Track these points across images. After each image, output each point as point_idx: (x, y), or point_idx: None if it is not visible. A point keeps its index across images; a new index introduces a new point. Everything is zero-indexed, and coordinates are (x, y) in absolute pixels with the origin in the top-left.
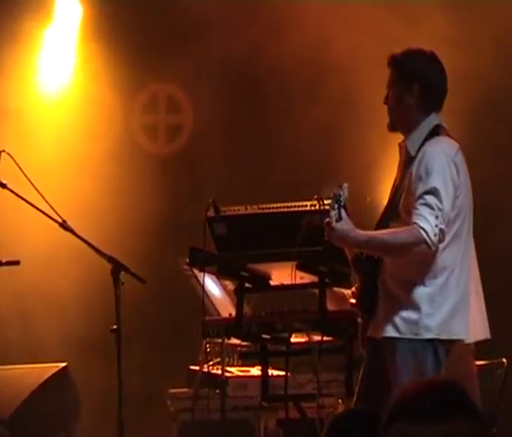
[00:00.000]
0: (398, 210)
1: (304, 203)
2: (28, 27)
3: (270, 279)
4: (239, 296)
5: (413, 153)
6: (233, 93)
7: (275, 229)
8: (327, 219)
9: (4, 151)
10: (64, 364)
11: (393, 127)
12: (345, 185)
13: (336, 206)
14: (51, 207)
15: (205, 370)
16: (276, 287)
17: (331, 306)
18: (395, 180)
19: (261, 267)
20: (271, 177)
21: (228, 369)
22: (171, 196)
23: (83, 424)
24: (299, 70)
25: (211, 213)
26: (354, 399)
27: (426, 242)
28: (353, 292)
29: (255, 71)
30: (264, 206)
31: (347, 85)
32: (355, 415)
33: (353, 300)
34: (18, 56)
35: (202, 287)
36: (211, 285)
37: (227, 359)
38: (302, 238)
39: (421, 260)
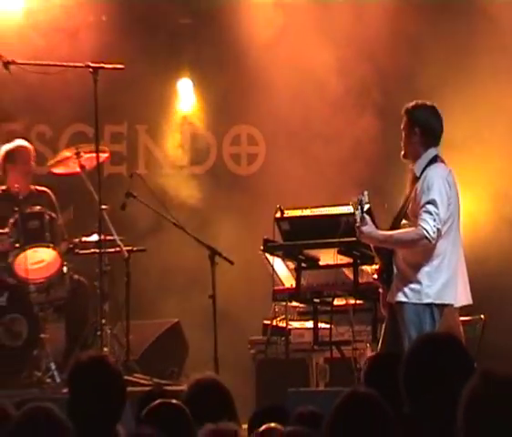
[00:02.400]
0: (407, 214)
1: (343, 207)
2: None
3: (319, 260)
4: (297, 272)
5: (418, 174)
6: (295, 129)
7: (323, 225)
8: (357, 224)
9: (135, 173)
10: (177, 320)
11: (405, 157)
12: (365, 192)
13: (359, 208)
14: (168, 213)
15: (274, 324)
16: (323, 266)
17: (361, 279)
18: (406, 193)
19: (313, 252)
20: (322, 187)
21: (290, 323)
22: (251, 205)
23: (189, 362)
24: None
25: (278, 215)
26: (379, 344)
27: (427, 238)
28: (375, 270)
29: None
30: (315, 209)
31: None
32: (386, 356)
33: (375, 276)
34: None
35: (272, 266)
36: (278, 264)
37: (289, 316)
38: (341, 231)
39: (423, 249)
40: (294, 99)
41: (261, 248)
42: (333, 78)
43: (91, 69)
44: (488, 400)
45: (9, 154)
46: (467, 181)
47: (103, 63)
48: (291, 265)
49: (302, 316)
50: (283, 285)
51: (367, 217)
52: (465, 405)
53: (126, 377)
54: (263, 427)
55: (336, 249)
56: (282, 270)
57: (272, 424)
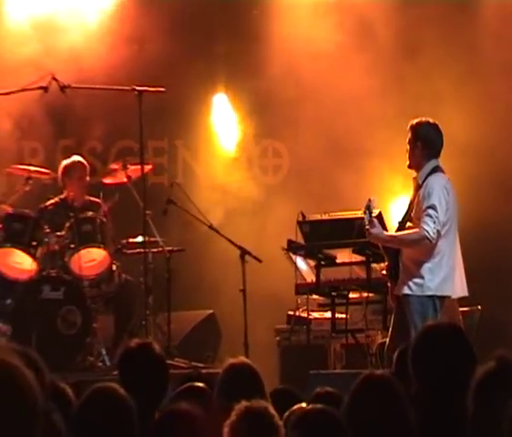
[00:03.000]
0: (411, 217)
1: (357, 212)
2: None
3: (336, 258)
4: (317, 269)
5: (420, 182)
6: (317, 144)
7: (339, 228)
8: (366, 227)
9: (175, 182)
10: (211, 311)
11: (410, 167)
12: (373, 198)
13: (368, 213)
14: (204, 217)
15: (297, 314)
16: (340, 263)
17: (373, 275)
18: (410, 199)
19: (331, 251)
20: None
21: (311, 313)
22: (276, 209)
23: (222, 348)
24: None
25: (300, 218)
26: (389, 332)
27: (428, 238)
28: (384, 267)
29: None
30: (333, 213)
31: None
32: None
33: (384, 272)
34: None
35: (295, 263)
36: (300, 262)
37: (310, 307)
38: (355, 234)
39: (425, 248)
40: (319, 117)
41: (286, 247)
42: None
43: (136, 92)
44: (504, 382)
45: (67, 169)
46: None
47: (147, 86)
48: (312, 263)
49: (322, 307)
50: (305, 280)
51: (375, 220)
52: (477, 386)
53: (167, 361)
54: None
55: (351, 249)
56: (304, 267)
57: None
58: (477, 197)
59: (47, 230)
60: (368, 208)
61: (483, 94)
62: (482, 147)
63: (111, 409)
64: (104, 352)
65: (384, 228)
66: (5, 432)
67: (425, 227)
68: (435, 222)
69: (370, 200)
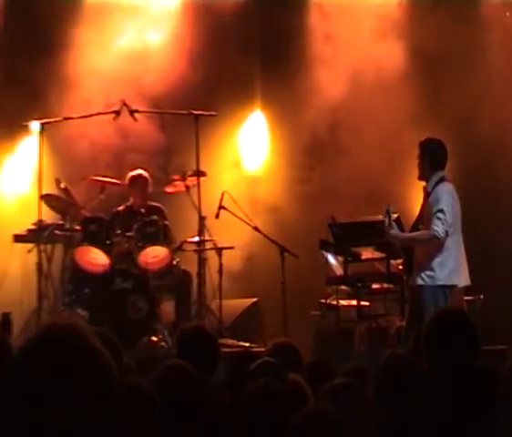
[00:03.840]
0: (423, 220)
1: (377, 216)
2: None
3: (360, 255)
4: (345, 264)
5: (430, 191)
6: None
7: (364, 229)
8: (385, 229)
9: (225, 191)
10: (256, 299)
11: (420, 178)
12: (391, 205)
13: (387, 216)
14: (250, 220)
15: (328, 302)
16: (364, 259)
17: (391, 269)
18: (421, 205)
19: (356, 249)
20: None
21: (339, 301)
22: (311, 214)
23: (265, 331)
24: None
25: (331, 221)
26: (406, 317)
27: (438, 237)
28: (401, 263)
29: None
30: (358, 217)
31: None
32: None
33: (401, 267)
34: None
35: (326, 259)
36: (331, 258)
37: (339, 296)
38: (377, 234)
39: (435, 245)
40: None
41: (319, 245)
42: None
43: (194, 116)
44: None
45: (131, 180)
46: None
47: (202, 110)
48: (340, 258)
49: (349, 296)
50: (334, 273)
51: (393, 223)
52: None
53: (219, 341)
54: None
55: (374, 247)
56: (334, 262)
57: None
58: None
59: (118, 231)
60: (387, 213)
61: None
62: None
63: (178, 379)
64: (166, 334)
65: (402, 230)
66: (86, 406)
67: (436, 227)
68: (443, 223)
69: (389, 206)
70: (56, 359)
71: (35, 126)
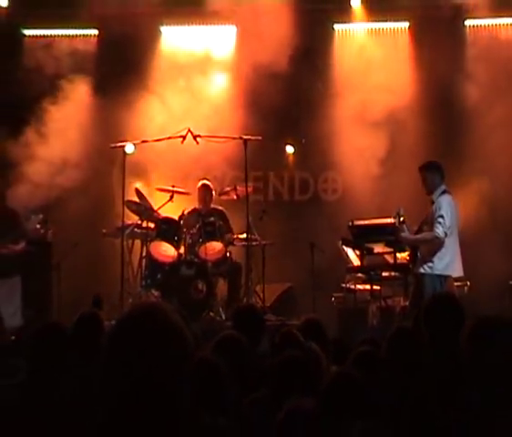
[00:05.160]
0: (427, 223)
1: (386, 219)
2: None
3: (373, 250)
4: (361, 256)
5: (434, 200)
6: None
7: (376, 229)
8: (396, 231)
9: (266, 199)
10: (290, 284)
11: (428, 194)
12: (401, 208)
13: (397, 219)
14: (286, 222)
15: (347, 286)
16: (376, 253)
17: (398, 261)
18: (427, 211)
19: (370, 244)
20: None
21: (357, 286)
22: (334, 218)
23: (297, 309)
24: None
25: (350, 223)
26: (410, 299)
27: (439, 238)
28: (408, 255)
29: None
30: (372, 220)
31: None
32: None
33: (407, 257)
34: None
35: (346, 253)
36: (350, 252)
37: (356, 282)
38: (387, 233)
39: (436, 244)
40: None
41: (340, 242)
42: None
43: (243, 140)
44: (485, 332)
45: (197, 188)
46: None
47: (250, 134)
48: (358, 252)
49: (364, 282)
50: (353, 264)
51: (404, 225)
52: (469, 334)
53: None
54: None
55: (384, 243)
56: (352, 255)
57: None
58: None
59: (184, 229)
60: (397, 216)
61: None
62: None
63: (233, 346)
64: (221, 310)
65: (408, 229)
66: (167, 366)
67: (437, 230)
68: (443, 226)
69: (399, 209)
70: (146, 331)
71: (128, 147)
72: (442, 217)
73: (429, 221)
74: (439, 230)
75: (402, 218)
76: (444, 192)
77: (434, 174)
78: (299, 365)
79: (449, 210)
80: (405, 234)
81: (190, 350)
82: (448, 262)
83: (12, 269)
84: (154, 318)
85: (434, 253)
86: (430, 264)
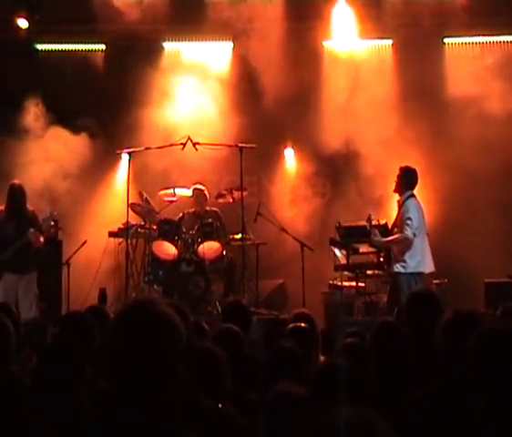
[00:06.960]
0: (397, 226)
1: (363, 221)
2: None
3: (359, 249)
4: (347, 256)
5: (401, 203)
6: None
7: (359, 231)
8: (370, 236)
9: (261, 202)
10: (282, 281)
11: (395, 191)
12: (372, 214)
13: (369, 223)
14: (279, 223)
15: (335, 283)
16: (361, 252)
17: (380, 260)
18: (396, 214)
19: (355, 244)
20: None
21: (343, 282)
22: (322, 219)
23: (288, 304)
24: None
25: (337, 225)
26: (386, 296)
27: (408, 239)
28: (383, 256)
29: None
30: (356, 222)
31: None
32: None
33: (382, 259)
34: None
35: (334, 253)
36: (337, 251)
37: (343, 278)
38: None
39: (406, 244)
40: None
41: (329, 242)
42: None
43: (238, 148)
44: (458, 325)
45: (192, 192)
46: None
47: (244, 142)
48: (344, 251)
49: (350, 279)
50: (340, 262)
51: (375, 229)
52: (443, 328)
53: (256, 310)
54: None
55: (367, 244)
56: (339, 254)
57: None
58: None
59: (184, 230)
60: (369, 221)
61: None
62: None
63: (228, 336)
64: (217, 304)
65: (389, 232)
66: (161, 359)
67: (406, 232)
68: (411, 228)
69: (370, 215)
70: (143, 323)
71: (125, 155)
72: (410, 219)
73: (399, 224)
74: (408, 232)
75: (372, 223)
76: (410, 196)
77: (408, 179)
78: (291, 356)
79: (416, 212)
80: (377, 238)
81: (181, 339)
82: (419, 260)
83: (31, 265)
84: (144, 311)
85: (405, 252)
86: (403, 263)
